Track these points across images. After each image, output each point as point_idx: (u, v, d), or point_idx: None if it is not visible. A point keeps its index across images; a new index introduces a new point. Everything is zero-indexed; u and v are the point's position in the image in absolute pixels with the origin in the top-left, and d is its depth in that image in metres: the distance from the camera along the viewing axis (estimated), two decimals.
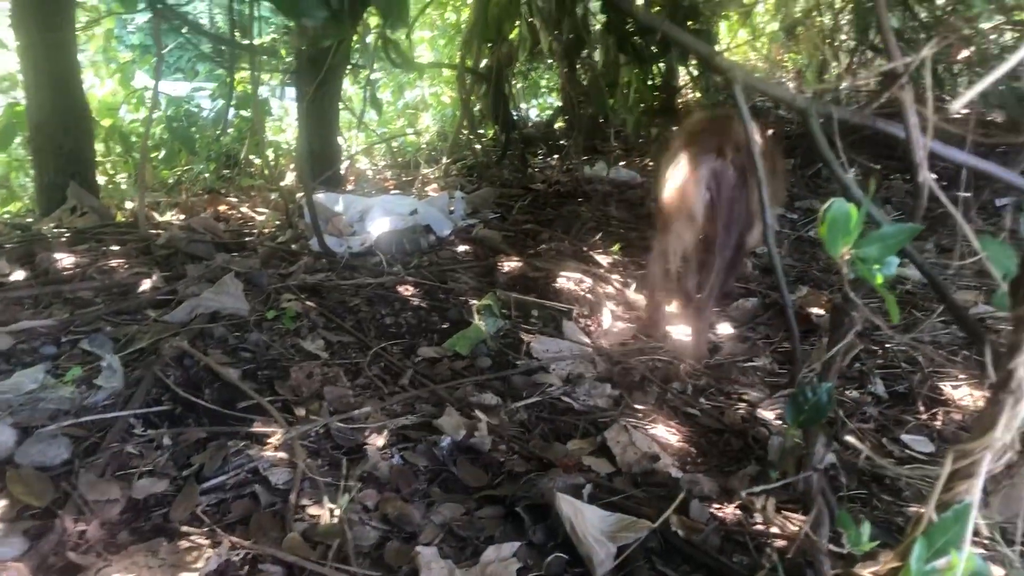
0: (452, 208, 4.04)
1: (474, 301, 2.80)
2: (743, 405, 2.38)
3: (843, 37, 5.65)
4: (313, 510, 1.74)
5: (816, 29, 6.92)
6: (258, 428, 2.00)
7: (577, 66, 6.14)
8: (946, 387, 2.49)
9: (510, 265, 3.19)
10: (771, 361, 2.70)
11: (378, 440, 2.01)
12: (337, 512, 1.72)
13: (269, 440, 1.95)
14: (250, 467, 1.86)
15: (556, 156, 5.81)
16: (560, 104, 6.93)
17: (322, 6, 1.53)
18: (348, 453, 1.96)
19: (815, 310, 3.01)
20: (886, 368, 2.61)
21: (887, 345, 2.74)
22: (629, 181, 4.94)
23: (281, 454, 1.91)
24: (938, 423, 2.31)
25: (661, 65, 5.30)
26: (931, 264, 2.84)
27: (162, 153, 4.81)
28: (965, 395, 2.43)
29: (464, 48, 5.23)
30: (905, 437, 2.21)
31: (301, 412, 2.11)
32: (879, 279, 1.13)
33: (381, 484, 1.86)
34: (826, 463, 1.74)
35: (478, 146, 5.61)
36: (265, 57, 4.45)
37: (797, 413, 1.41)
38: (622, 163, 5.46)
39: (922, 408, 2.37)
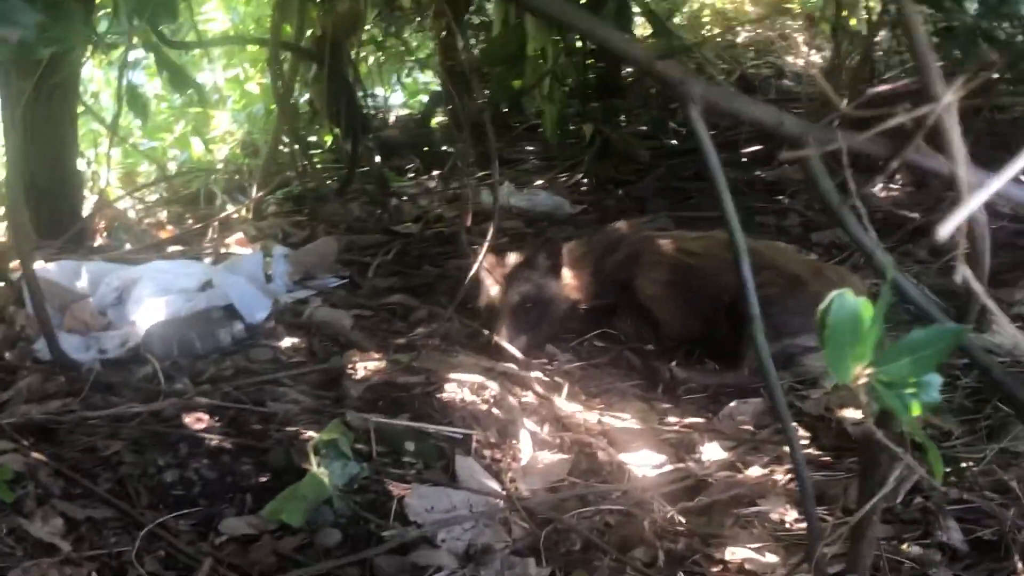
0: (270, 273, 3.99)
1: (311, 433, 2.76)
2: None
3: None
4: None
5: None
6: None
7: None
8: None
9: (367, 367, 3.17)
10: (786, 501, 2.73)
11: None
12: None
13: None
14: None
15: (436, 173, 5.72)
16: (439, 87, 6.81)
17: (30, 8, 1.49)
18: None
19: (852, 414, 3.05)
20: (963, 503, 2.66)
21: (963, 464, 2.80)
22: (553, 212, 4.91)
23: None
24: None
25: None
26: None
27: None
28: None
29: (279, 10, 5.10)
30: None
31: None
32: (915, 410, 1.11)
33: None
34: None
35: (308, 163, 5.51)
36: None
37: None
38: (539, 182, 5.46)
39: (1021, 566, 2.42)
